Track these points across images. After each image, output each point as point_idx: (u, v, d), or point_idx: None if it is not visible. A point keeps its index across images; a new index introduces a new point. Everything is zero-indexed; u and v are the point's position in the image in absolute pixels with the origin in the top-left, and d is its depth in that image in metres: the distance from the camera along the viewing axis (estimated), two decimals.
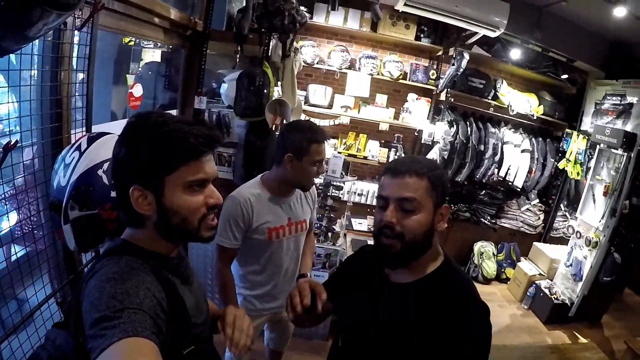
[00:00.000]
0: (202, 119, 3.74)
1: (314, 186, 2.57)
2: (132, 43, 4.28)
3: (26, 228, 1.89)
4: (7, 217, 1.77)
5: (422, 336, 1.20)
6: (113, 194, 1.53)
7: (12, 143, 1.37)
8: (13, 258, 1.82)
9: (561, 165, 5.68)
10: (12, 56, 1.50)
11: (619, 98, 4.95)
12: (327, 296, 1.55)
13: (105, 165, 1.57)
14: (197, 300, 1.22)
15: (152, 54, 4.76)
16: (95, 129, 2.13)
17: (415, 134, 5.87)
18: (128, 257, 1.05)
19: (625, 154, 4.48)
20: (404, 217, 1.24)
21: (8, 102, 1.63)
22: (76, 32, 1.86)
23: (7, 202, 1.77)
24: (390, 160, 5.49)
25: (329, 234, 3.89)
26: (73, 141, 1.77)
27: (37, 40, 1.56)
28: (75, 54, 1.94)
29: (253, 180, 2.35)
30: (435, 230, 1.30)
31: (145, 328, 0.88)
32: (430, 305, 1.24)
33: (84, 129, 2.09)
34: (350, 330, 1.45)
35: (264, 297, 2.40)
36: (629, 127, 4.65)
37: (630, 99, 4.78)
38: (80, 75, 2.05)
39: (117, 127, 2.34)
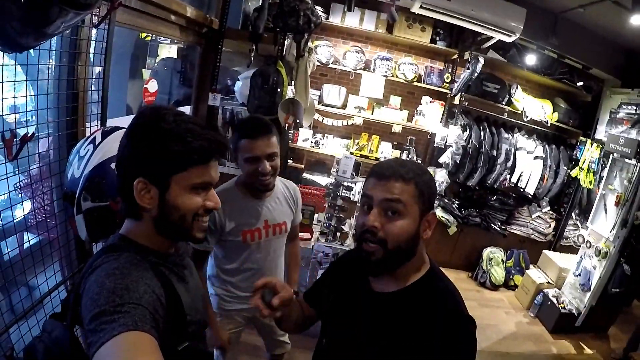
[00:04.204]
0: (215, 124, 3.79)
1: (295, 187, 2.48)
2: (149, 38, 4.35)
3: (40, 217, 1.94)
4: (22, 205, 1.82)
5: (403, 348, 1.16)
6: None
7: (29, 135, 1.41)
8: (26, 245, 1.86)
9: (574, 173, 5.63)
10: (32, 50, 1.54)
11: (635, 107, 4.90)
12: (311, 302, 1.54)
13: None
14: (192, 299, 1.22)
15: (168, 50, 4.83)
16: (110, 123, 2.17)
17: (428, 137, 5.88)
18: (128, 254, 1.06)
19: (639, 164, 4.43)
20: (387, 222, 1.18)
21: (26, 95, 1.68)
22: (94, 28, 1.90)
23: (22, 191, 1.82)
24: None
25: (337, 234, 3.91)
26: (88, 134, 1.81)
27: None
28: (92, 49, 1.98)
29: (229, 182, 2.28)
30: (420, 238, 1.23)
31: (145, 322, 0.89)
32: (412, 316, 1.19)
33: (99, 122, 2.13)
34: (333, 337, 1.41)
35: (240, 298, 2.32)
36: None
37: None
38: (97, 70, 2.09)
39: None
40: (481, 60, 4.96)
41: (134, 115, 1.12)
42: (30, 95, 1.68)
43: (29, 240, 1.84)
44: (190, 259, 1.35)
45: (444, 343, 1.12)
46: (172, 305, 1.07)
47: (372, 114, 5.68)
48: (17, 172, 1.67)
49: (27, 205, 1.92)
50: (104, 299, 0.90)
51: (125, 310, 0.89)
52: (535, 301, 5.23)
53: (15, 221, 1.77)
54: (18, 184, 1.84)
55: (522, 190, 5.74)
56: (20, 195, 1.85)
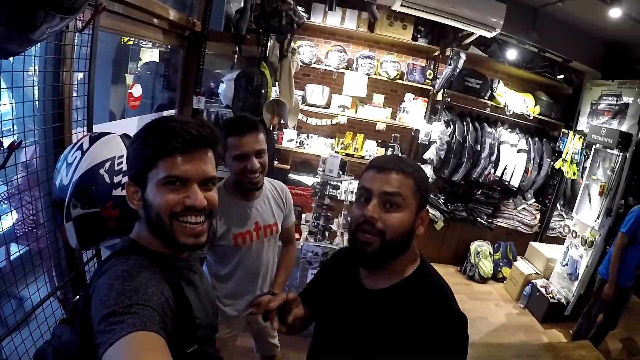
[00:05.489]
0: (202, 118, 3.75)
1: (284, 186, 2.45)
2: (130, 43, 4.31)
3: (27, 227, 1.91)
4: (10, 215, 1.79)
5: (394, 345, 1.15)
6: (114, 192, 1.57)
7: (16, 143, 1.39)
8: (14, 256, 1.83)
9: (557, 165, 5.72)
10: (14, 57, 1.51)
11: (615, 98, 4.99)
12: (306, 302, 1.51)
13: (107, 165, 1.59)
14: (202, 303, 1.23)
15: (150, 54, 4.79)
16: (96, 128, 2.15)
17: (412, 133, 5.92)
18: (136, 257, 1.07)
19: (621, 154, 4.51)
20: (386, 214, 1.18)
21: (11, 103, 1.65)
22: (77, 34, 1.88)
23: (8, 201, 1.79)
24: None
25: (326, 233, 3.91)
26: (75, 141, 1.79)
27: None
28: (75, 55, 1.95)
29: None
30: (414, 233, 1.24)
31: (154, 323, 0.90)
32: (404, 313, 1.18)
33: (85, 128, 2.10)
34: (327, 336, 1.40)
35: (236, 301, 2.29)
36: (624, 127, 4.69)
37: (625, 99, 4.82)
38: (81, 76, 2.06)
39: (117, 127, 2.36)
40: (463, 56, 5.02)
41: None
42: (12, 103, 1.66)
43: (18, 251, 1.81)
44: (199, 265, 1.34)
45: (436, 341, 1.11)
46: (180, 308, 1.08)
47: (355, 112, 5.70)
48: (2, 183, 1.64)
49: (14, 216, 1.89)
50: (113, 300, 0.91)
51: (133, 311, 0.90)
52: (524, 292, 5.29)
53: (2, 232, 1.74)
54: (3, 194, 1.81)
55: (506, 183, 5.80)
56: (5, 205, 1.82)
